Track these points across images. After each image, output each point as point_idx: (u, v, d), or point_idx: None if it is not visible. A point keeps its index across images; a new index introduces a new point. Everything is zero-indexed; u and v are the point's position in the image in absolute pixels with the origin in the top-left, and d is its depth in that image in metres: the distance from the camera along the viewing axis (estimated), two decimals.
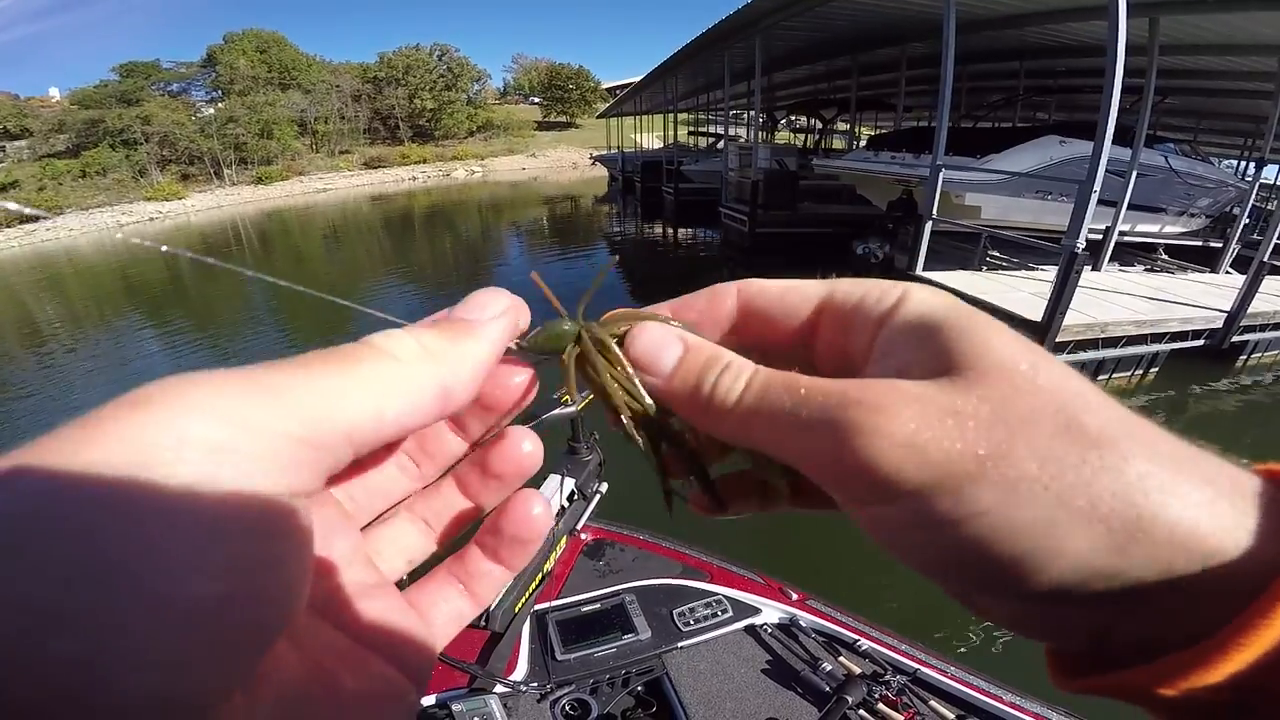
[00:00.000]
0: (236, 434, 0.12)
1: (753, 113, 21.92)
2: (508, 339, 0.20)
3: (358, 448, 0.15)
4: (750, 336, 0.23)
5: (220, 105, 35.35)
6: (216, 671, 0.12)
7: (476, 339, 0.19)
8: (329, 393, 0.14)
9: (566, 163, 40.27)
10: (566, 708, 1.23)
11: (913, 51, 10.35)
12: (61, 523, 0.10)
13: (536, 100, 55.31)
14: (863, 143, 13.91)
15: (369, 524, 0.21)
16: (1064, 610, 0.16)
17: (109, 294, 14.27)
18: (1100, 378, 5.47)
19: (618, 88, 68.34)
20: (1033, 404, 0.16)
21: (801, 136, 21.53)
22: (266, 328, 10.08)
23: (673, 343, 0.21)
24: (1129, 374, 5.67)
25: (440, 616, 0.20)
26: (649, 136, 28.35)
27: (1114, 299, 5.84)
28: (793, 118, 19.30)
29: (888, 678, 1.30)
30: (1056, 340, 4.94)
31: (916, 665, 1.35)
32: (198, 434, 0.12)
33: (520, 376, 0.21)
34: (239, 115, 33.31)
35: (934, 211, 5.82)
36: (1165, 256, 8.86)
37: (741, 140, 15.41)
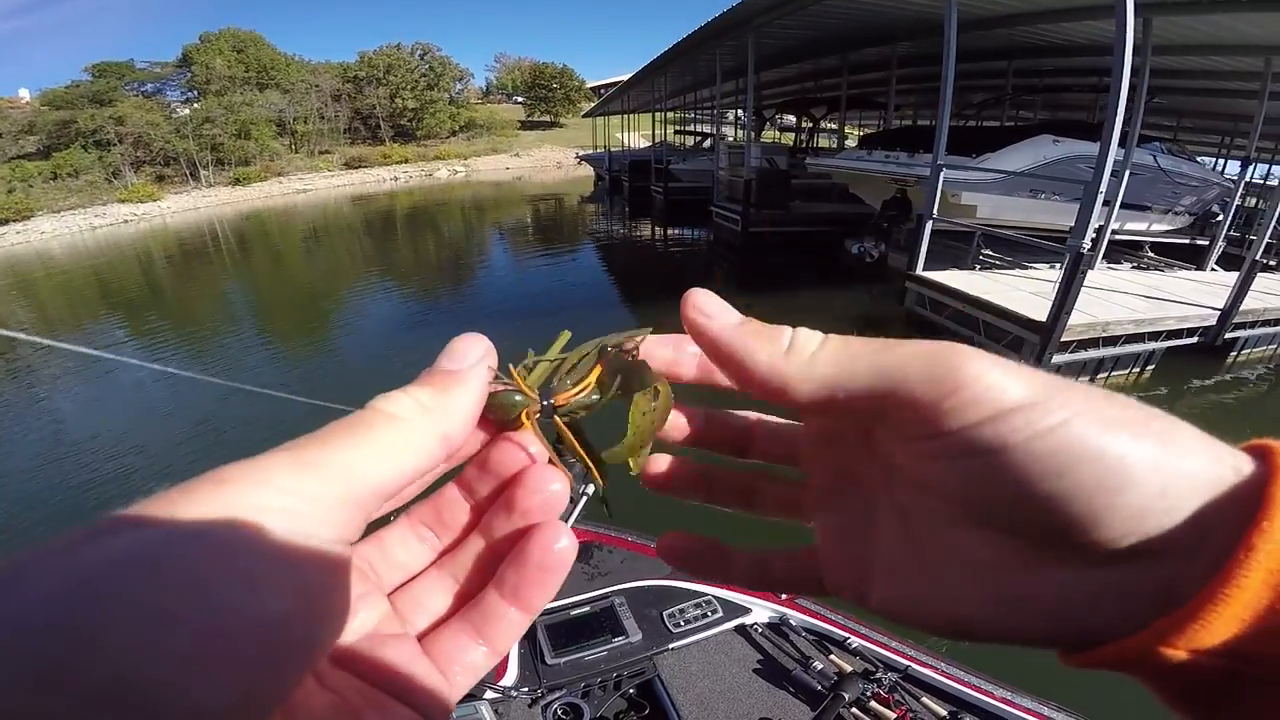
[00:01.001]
0: (296, 501, 0.16)
1: (741, 112, 22.15)
2: (487, 381, 0.21)
3: (387, 498, 0.18)
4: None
5: (196, 106, 34.46)
6: (276, 675, 0.15)
7: (463, 387, 0.20)
8: (358, 460, 0.17)
9: (551, 162, 40.02)
10: (558, 711, 1.22)
11: (902, 50, 10.41)
12: (176, 559, 0.13)
13: (520, 100, 54.92)
14: (851, 142, 14.02)
15: (395, 590, 0.23)
16: (1108, 575, 0.17)
17: (84, 298, 13.85)
18: (1100, 376, 5.53)
19: (601, 87, 68.09)
20: (1075, 386, 0.18)
21: (787, 135, 21.69)
22: (243, 327, 9.93)
23: (729, 308, 0.22)
24: (1126, 371, 5.72)
25: (458, 669, 0.21)
26: (635, 135, 28.28)
27: (1110, 297, 5.89)
28: (779, 116, 19.35)
29: (879, 675, 1.30)
30: (1061, 340, 4.97)
31: (907, 662, 1.35)
32: (269, 502, 0.15)
33: (558, 484, 0.22)
34: (215, 116, 32.54)
35: (935, 211, 5.82)
36: (1151, 254, 9.02)
37: (730, 139, 15.36)
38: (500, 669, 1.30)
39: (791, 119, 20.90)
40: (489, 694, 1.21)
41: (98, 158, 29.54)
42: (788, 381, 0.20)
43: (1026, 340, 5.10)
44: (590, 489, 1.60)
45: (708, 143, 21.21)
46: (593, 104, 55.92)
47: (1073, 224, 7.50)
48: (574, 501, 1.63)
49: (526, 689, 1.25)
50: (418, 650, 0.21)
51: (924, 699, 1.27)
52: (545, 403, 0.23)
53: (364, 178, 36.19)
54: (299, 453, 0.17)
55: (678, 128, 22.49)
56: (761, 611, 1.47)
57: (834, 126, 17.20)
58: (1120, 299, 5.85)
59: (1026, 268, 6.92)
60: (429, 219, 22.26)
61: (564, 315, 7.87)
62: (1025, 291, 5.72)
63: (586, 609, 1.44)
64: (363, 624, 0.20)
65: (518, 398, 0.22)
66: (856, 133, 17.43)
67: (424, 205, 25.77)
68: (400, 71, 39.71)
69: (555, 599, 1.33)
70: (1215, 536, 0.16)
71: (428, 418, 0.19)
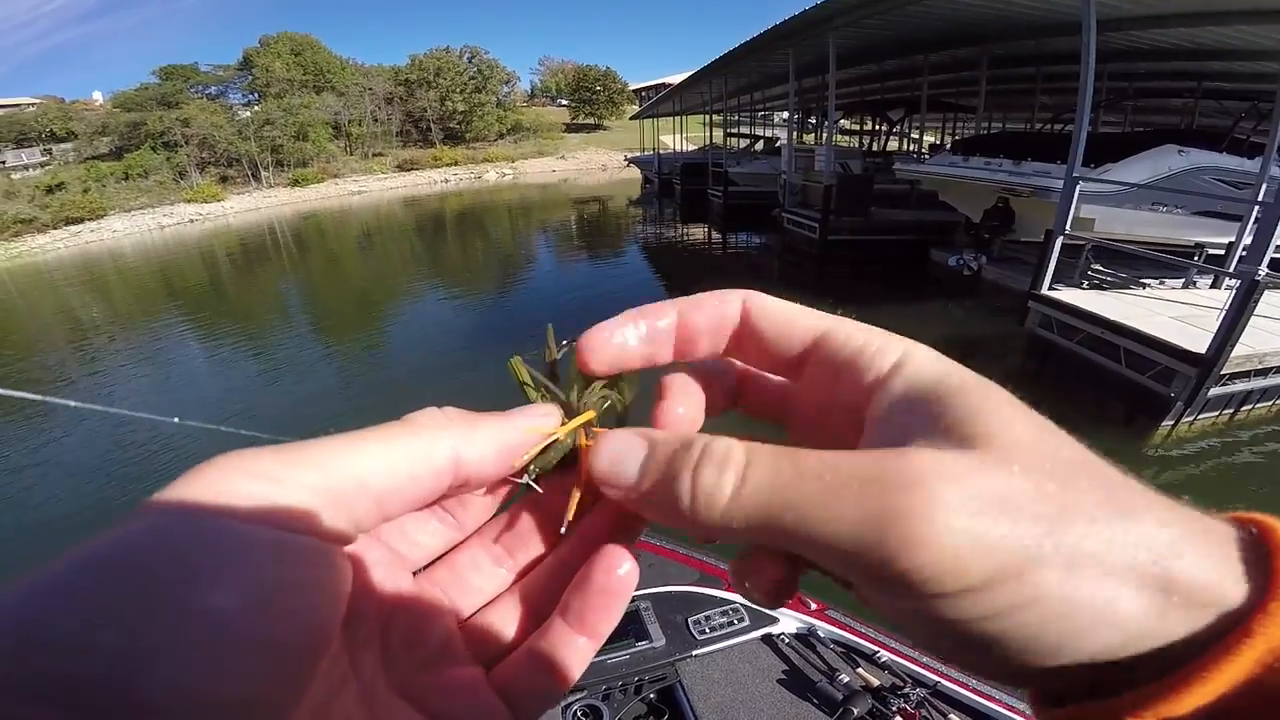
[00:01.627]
0: (268, 486, 0.16)
1: (804, 114, 21.46)
2: (526, 428, 0.21)
3: (378, 497, 0.18)
4: (744, 354, 0.24)
5: (256, 108, 35.53)
6: (236, 675, 0.13)
7: (500, 423, 0.20)
8: (348, 452, 0.17)
9: (595, 165, 39.96)
10: (578, 713, 1.21)
11: (996, 51, 9.78)
12: (145, 552, 0.14)
13: (564, 102, 55.18)
14: (923, 146, 13.32)
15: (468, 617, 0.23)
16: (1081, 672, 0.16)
17: (151, 295, 14.23)
18: (1244, 408, 4.94)
19: (644, 89, 68.02)
20: (1068, 479, 0.16)
21: (851, 138, 20.93)
22: (299, 325, 10.20)
23: (635, 445, 0.20)
24: (1271, 403, 5.09)
25: (525, 701, 0.20)
26: (677, 138, 27.90)
27: (1256, 323, 5.24)
28: (844, 120, 18.67)
29: (907, 690, 1.26)
30: (1220, 373, 4.40)
31: (937, 679, 1.31)
32: (239, 488, 0.15)
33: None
34: (275, 118, 33.43)
35: (1068, 226, 5.26)
36: (1270, 271, 8.17)
37: (783, 141, 14.81)
38: None
39: (845, 121, 20.16)
40: None
41: (166, 158, 30.71)
42: (713, 534, 0.18)
43: (1179, 373, 4.51)
44: None
45: (758, 145, 20.68)
46: (635, 106, 56.21)
47: (1207, 241, 6.95)
48: None
49: None
50: (483, 683, 0.20)
51: (952, 716, 1.24)
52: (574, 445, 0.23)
53: (416, 180, 36.76)
54: (294, 445, 0.17)
55: (729, 130, 21.96)
56: (789, 621, 1.43)
57: (879, 128, 16.51)
58: (1263, 324, 5.19)
59: (1143, 285, 6.31)
60: (477, 221, 22.33)
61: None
62: (1166, 316, 5.12)
63: None
64: (429, 648, 0.20)
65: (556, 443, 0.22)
66: (931, 138, 16.71)
67: (472, 208, 25.92)
68: (450, 74, 40.20)
69: None
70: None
71: (443, 430, 0.19)
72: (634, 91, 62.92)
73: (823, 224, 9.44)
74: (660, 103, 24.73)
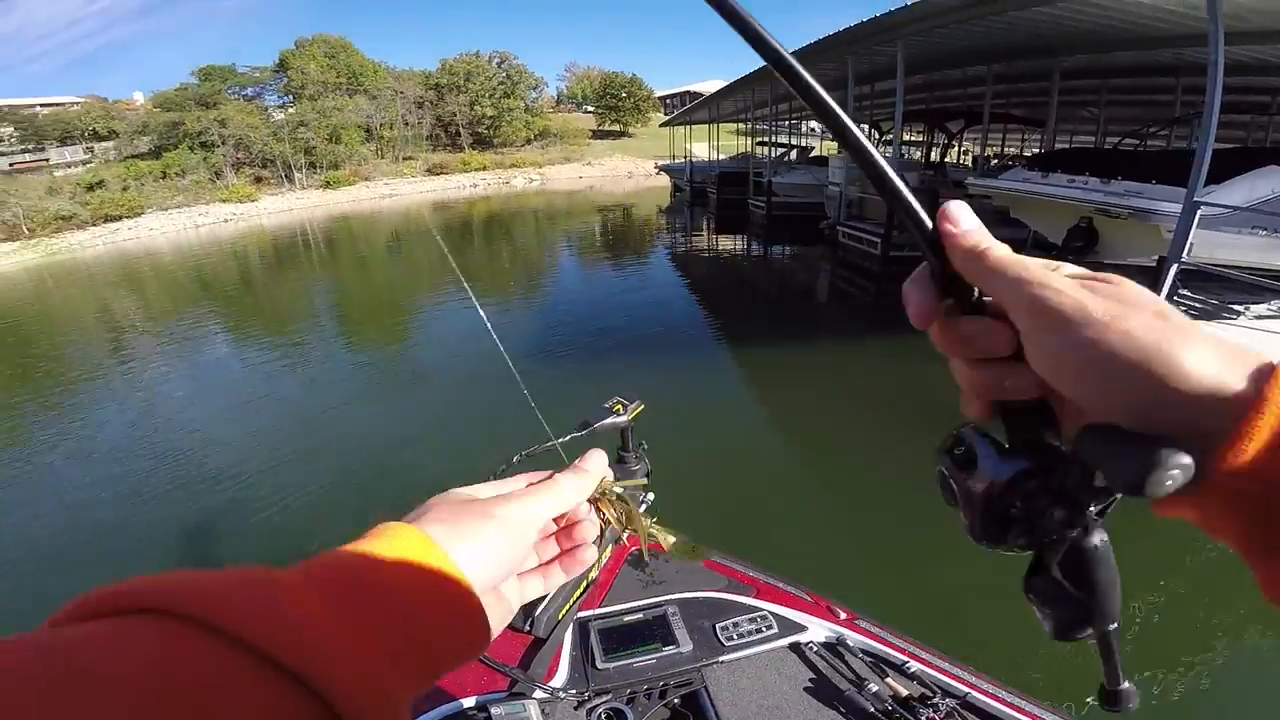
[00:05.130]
0: (509, 514, 0.35)
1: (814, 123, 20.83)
2: (600, 476, 0.42)
3: (552, 517, 0.38)
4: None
5: (291, 110, 35.96)
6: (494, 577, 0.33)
7: (589, 479, 0.41)
8: (553, 503, 0.37)
9: (622, 172, 39.85)
10: (603, 716, 1.21)
11: (1069, 63, 9.36)
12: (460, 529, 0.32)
13: (590, 109, 55.23)
14: (962, 158, 12.85)
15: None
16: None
17: (185, 293, 14.27)
18: None
19: (669, 97, 67.98)
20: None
21: (904, 149, 20.47)
22: (326, 327, 10.25)
23: (972, 217, 0.30)
24: None
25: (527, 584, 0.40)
26: (704, 147, 27.61)
27: None
28: (887, 132, 18.21)
29: (936, 700, 1.23)
30: None
31: (967, 689, 1.28)
32: (499, 513, 0.35)
33: (592, 529, 0.43)
34: (309, 119, 33.76)
35: (1185, 254, 4.83)
36: None
37: (816, 152, 14.35)
38: (551, 670, 1.32)
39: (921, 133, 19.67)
40: (538, 694, 1.23)
41: (203, 158, 31.13)
42: (979, 269, 0.29)
43: None
44: (650, 497, 1.70)
45: (792, 155, 20.29)
46: (660, 114, 56.15)
47: None
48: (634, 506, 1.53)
49: (574, 691, 1.26)
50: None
51: None
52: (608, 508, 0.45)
53: (445, 184, 36.95)
54: (532, 496, 0.36)
55: (761, 139, 21.60)
56: (819, 630, 1.43)
57: (937, 139, 16.01)
58: None
59: (1234, 312, 5.87)
60: (504, 227, 22.18)
61: (656, 344, 7.25)
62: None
63: (639, 616, 1.44)
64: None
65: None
66: (988, 150, 16.24)
67: (500, 214, 25.82)
68: (479, 79, 40.42)
69: (609, 605, 1.46)
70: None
71: (575, 488, 0.39)
72: (659, 99, 62.90)
73: (885, 240, 9.03)
74: (694, 110, 24.48)
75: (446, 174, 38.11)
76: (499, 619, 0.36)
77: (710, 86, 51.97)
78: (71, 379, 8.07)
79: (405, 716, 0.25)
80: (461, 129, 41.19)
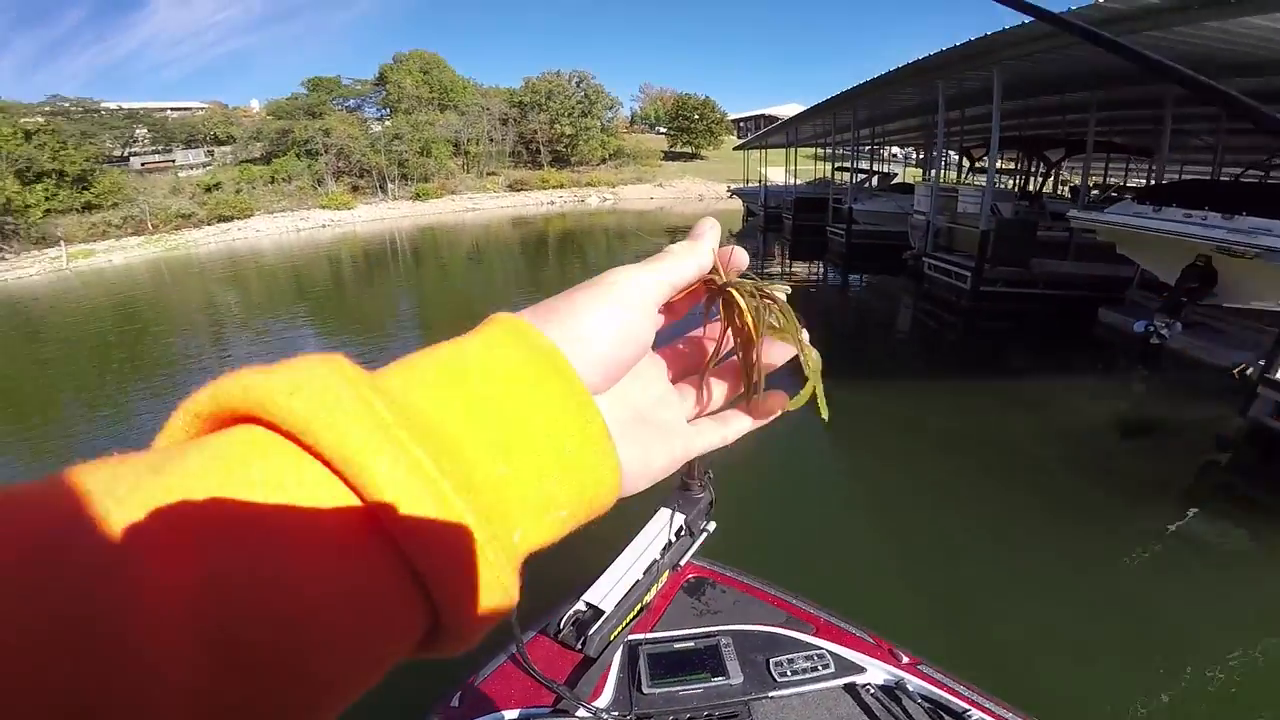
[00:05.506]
0: (640, 276, 0.28)
1: (927, 149, 20.33)
2: (718, 242, 0.32)
3: (676, 289, 0.30)
4: None
5: (387, 122, 38.12)
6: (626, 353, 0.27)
7: (704, 240, 0.32)
8: (666, 268, 0.30)
9: (692, 194, 40.04)
10: None
11: (1181, 90, 8.72)
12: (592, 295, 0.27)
13: (662, 130, 56.06)
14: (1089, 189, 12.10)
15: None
16: None
17: (282, 290, 15.33)
18: None
19: (742, 120, 68.11)
20: None
21: (979, 177, 19.65)
22: (408, 327, 10.83)
23: None
24: None
25: (700, 433, 0.33)
26: (781, 170, 27.36)
27: None
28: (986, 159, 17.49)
29: None
30: None
31: None
32: (628, 277, 0.28)
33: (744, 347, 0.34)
34: (403, 133, 35.55)
35: None
36: None
37: (934, 179, 13.90)
38: (597, 689, 1.30)
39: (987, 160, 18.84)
40: (581, 712, 1.20)
41: (307, 165, 33.31)
42: None
43: None
44: (711, 526, 1.69)
45: (873, 181, 19.79)
46: (733, 137, 56.24)
47: None
48: (693, 536, 1.65)
49: (617, 713, 1.24)
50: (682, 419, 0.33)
51: None
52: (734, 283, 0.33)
53: (524, 200, 38.23)
54: (637, 265, 0.29)
55: (840, 164, 21.21)
56: (877, 672, 1.36)
57: (1034, 168, 15.19)
58: None
59: None
60: (577, 245, 22.66)
61: None
62: None
63: (691, 644, 1.41)
64: (659, 383, 0.33)
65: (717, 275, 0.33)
66: (1073, 179, 15.32)
67: (573, 231, 26.44)
68: (559, 98, 41.69)
69: (662, 631, 1.48)
70: None
71: (690, 254, 0.31)
72: (733, 122, 63.10)
73: (976, 273, 8.62)
74: (771, 133, 24.38)
75: (526, 190, 39.42)
76: (653, 457, 0.28)
77: (786, 110, 51.72)
78: (175, 366, 8.82)
79: (508, 584, 0.19)
80: (541, 146, 42.58)
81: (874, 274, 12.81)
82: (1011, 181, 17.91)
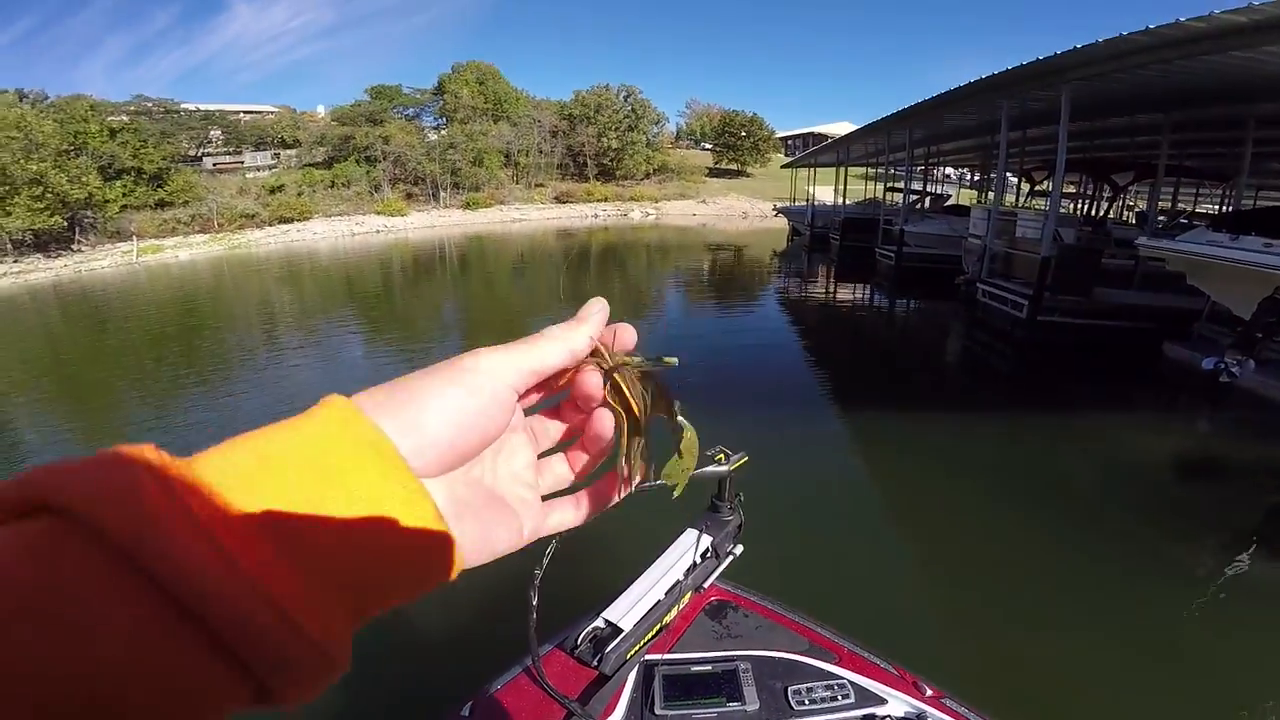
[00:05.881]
0: (490, 365, 0.28)
1: (983, 170, 19.66)
2: (602, 325, 0.34)
3: (538, 376, 0.31)
4: None
5: (443, 132, 39.20)
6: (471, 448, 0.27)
7: (585, 326, 0.33)
8: (529, 354, 0.30)
9: (736, 211, 39.84)
10: None
11: (1263, 110, 8.23)
12: (428, 383, 0.27)
13: (708, 146, 56.10)
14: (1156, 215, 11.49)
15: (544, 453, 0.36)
16: None
17: (334, 292, 15.88)
18: None
19: (790, 138, 67.62)
20: None
21: (1037, 200, 18.95)
22: (450, 334, 11.09)
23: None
24: None
25: (553, 512, 0.34)
26: (826, 189, 26.96)
27: None
28: (1047, 181, 16.85)
29: None
30: None
31: None
32: (477, 365, 0.28)
33: (595, 377, 0.34)
34: (458, 142, 36.48)
35: None
36: None
37: (994, 202, 13.44)
38: (609, 708, 1.29)
39: (1047, 183, 18.13)
40: None
41: (366, 171, 34.51)
42: None
43: None
44: (739, 549, 1.71)
45: (925, 203, 19.30)
46: (780, 154, 55.76)
47: None
48: (719, 559, 1.66)
49: None
50: (537, 494, 0.34)
51: None
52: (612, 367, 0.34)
53: (569, 212, 38.77)
54: (503, 348, 0.30)
55: (890, 184, 20.76)
56: (898, 705, 1.33)
57: (1100, 192, 14.51)
58: None
59: None
60: (618, 259, 22.68)
61: (762, 393, 6.94)
62: None
63: (708, 668, 1.38)
64: (522, 460, 0.34)
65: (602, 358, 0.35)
66: (1156, 206, 14.59)
67: (615, 245, 26.53)
68: (607, 111, 42.15)
69: (679, 653, 1.49)
70: None
71: (565, 339, 0.32)
72: (780, 139, 62.72)
73: (1034, 302, 8.23)
74: (820, 152, 24.12)
75: (571, 202, 39.97)
76: (496, 536, 0.29)
77: (835, 129, 51.15)
78: (227, 359, 9.23)
79: (329, 650, 0.19)
80: (588, 159, 43.12)
81: (923, 299, 12.42)
82: (1074, 206, 17.18)
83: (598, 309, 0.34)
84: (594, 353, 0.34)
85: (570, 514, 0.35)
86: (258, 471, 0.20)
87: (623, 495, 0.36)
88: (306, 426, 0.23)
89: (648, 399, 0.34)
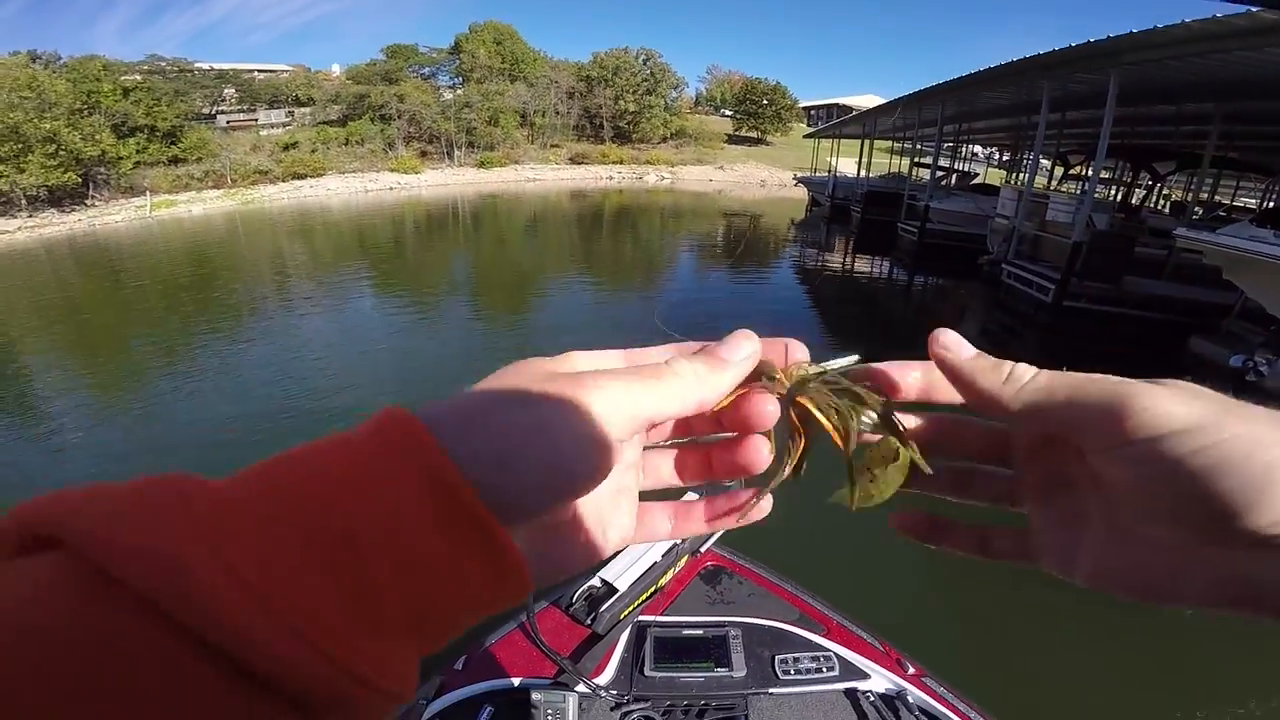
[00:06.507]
0: (607, 404, 0.22)
1: (1014, 150, 18.97)
2: (747, 372, 0.27)
3: (654, 422, 0.25)
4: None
5: (459, 91, 38.60)
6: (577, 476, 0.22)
7: (727, 374, 0.27)
8: (652, 395, 0.24)
9: (754, 179, 39.06)
10: None
11: None
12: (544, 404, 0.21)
13: (727, 113, 54.74)
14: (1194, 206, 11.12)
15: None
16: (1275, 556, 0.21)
17: (346, 247, 15.84)
18: None
19: (814, 108, 65.72)
20: (1237, 403, 0.23)
21: (1067, 184, 18.37)
22: (460, 290, 11.13)
23: (968, 344, 0.29)
24: None
25: (655, 524, 0.30)
26: (846, 160, 26.26)
27: None
28: (1078, 166, 16.26)
29: None
30: None
31: None
32: (597, 399, 0.22)
33: (772, 406, 0.28)
34: (474, 101, 36.01)
35: None
36: None
37: (1027, 183, 13.02)
38: (600, 667, 1.31)
39: (1079, 168, 17.54)
40: (580, 687, 1.21)
41: (380, 130, 34.23)
42: (1003, 401, 0.27)
43: None
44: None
45: (951, 179, 18.74)
46: (803, 124, 54.33)
47: None
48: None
49: (616, 692, 1.25)
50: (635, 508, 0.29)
51: None
52: (789, 391, 0.28)
53: (583, 174, 38.24)
54: (618, 378, 0.24)
55: (917, 160, 20.15)
56: (880, 680, 1.36)
57: (1138, 180, 14.03)
58: None
59: None
60: (632, 221, 22.52)
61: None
62: None
63: (699, 632, 1.40)
64: (628, 459, 0.29)
65: (775, 377, 0.28)
66: (1198, 197, 14.10)
67: (630, 207, 26.26)
68: (625, 74, 41.23)
69: (672, 614, 1.50)
70: None
71: (699, 384, 0.26)
72: (803, 109, 60.98)
73: (1060, 286, 7.98)
74: (846, 123, 23.41)
75: (586, 164, 39.41)
76: (575, 558, 0.26)
77: (861, 101, 49.58)
78: (240, 311, 9.29)
79: (388, 690, 0.17)
80: (605, 121, 42.31)
81: (944, 277, 12.13)
82: (1110, 192, 16.62)
83: (747, 350, 0.27)
84: (759, 369, 0.28)
85: (666, 525, 0.30)
86: (308, 503, 0.18)
87: (743, 523, 0.30)
88: (363, 451, 0.19)
89: (854, 421, 0.27)
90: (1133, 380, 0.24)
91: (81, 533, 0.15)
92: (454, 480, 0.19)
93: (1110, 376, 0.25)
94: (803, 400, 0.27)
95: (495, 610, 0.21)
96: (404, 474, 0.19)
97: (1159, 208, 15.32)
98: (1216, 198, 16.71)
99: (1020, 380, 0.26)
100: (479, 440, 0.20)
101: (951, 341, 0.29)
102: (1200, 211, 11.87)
